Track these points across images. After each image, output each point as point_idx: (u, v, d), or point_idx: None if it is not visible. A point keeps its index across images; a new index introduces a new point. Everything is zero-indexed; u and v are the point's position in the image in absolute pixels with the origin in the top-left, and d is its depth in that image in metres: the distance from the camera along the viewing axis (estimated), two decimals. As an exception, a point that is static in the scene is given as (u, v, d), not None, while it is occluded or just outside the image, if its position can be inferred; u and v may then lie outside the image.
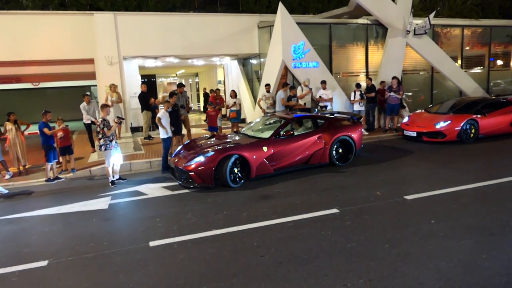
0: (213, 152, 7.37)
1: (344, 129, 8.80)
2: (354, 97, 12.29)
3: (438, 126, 10.74)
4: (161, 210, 6.36)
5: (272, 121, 9.37)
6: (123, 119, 8.10)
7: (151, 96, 14.50)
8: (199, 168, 7.22)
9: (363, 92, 12.34)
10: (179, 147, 8.63)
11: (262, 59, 14.69)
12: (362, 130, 9.34)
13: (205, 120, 12.07)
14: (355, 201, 6.27)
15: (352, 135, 8.77)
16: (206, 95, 19.73)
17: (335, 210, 5.87)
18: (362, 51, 14.10)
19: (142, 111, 12.72)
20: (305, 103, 12.05)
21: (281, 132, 8.21)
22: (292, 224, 5.44)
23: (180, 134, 9.92)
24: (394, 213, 5.71)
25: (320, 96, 12.24)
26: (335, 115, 9.90)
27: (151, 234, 5.37)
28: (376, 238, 4.93)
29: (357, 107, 12.37)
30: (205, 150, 7.60)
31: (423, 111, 12.33)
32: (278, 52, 12.62)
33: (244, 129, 9.34)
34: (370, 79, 12.93)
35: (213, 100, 12.35)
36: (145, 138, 12.67)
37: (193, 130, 14.48)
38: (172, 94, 9.80)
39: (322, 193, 6.83)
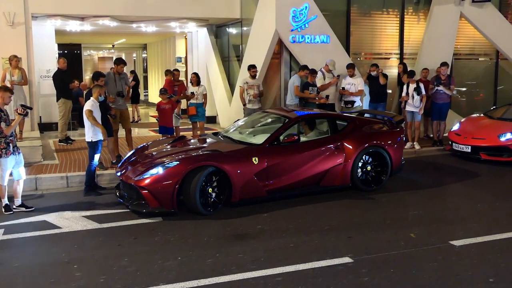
0: (177, 162, 7.48)
1: (376, 136, 8.98)
2: (407, 93, 12.23)
3: (503, 139, 11.01)
4: (82, 252, 6.27)
5: (269, 120, 9.55)
6: (30, 108, 7.90)
7: (73, 77, 14.41)
8: (156, 185, 7.31)
9: (421, 86, 12.18)
10: (130, 153, 8.78)
11: (245, 28, 14.78)
12: (404, 139, 9.50)
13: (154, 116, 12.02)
14: (376, 247, 6.30)
15: (388, 146, 8.92)
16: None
17: (346, 259, 5.89)
18: (396, 23, 14.37)
19: (58, 99, 12.61)
20: (327, 96, 12.21)
21: (281, 137, 8.34)
22: (281, 279, 5.42)
23: (111, 135, 9.99)
24: (435, 265, 5.75)
25: (343, 88, 12.38)
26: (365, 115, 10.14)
27: (65, 288, 5.30)
28: (407, 303, 4.96)
29: (411, 108, 12.27)
30: (166, 158, 7.72)
31: (481, 115, 12.58)
32: (269, 19, 12.74)
33: (227, 130, 9.48)
34: (376, 66, 12.73)
35: (168, 86, 12.33)
36: (60, 141, 12.53)
37: (135, 131, 14.43)
38: (97, 75, 9.82)
39: (328, 232, 6.85)
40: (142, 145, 9.16)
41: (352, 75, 12.36)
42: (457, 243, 6.39)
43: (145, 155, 8.34)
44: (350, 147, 8.63)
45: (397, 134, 9.26)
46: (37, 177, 9.24)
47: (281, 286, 5.24)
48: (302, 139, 8.81)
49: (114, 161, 10.07)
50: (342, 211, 7.83)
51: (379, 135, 9.06)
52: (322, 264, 5.75)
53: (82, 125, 15.22)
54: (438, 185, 9.43)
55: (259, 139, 8.50)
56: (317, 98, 11.85)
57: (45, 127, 14.51)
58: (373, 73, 12.69)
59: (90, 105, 8.66)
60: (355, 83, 12.25)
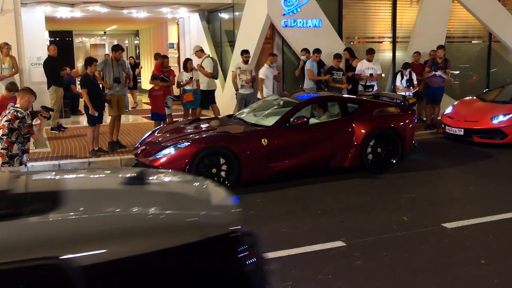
0: (189, 143, 7.82)
1: (386, 119, 9.14)
2: (401, 84, 12.39)
3: (496, 121, 11.01)
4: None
5: (281, 102, 9.70)
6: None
7: (64, 64, 14.32)
8: (168, 164, 7.64)
9: (413, 78, 12.34)
10: (147, 133, 9.17)
11: (237, 13, 14.68)
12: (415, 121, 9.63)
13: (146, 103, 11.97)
14: (369, 230, 6.32)
15: (398, 128, 9.05)
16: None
17: (339, 243, 5.90)
18: (388, 7, 14.31)
19: (49, 86, 12.53)
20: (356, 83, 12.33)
21: (291, 119, 8.50)
22: (275, 263, 5.41)
23: (100, 122, 10.09)
24: (427, 248, 5.79)
25: (371, 74, 12.31)
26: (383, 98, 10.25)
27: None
28: (399, 287, 4.98)
29: (402, 92, 12.26)
30: (179, 139, 8.07)
31: (474, 98, 12.57)
32: (261, 3, 12.68)
33: (241, 112, 9.71)
34: (307, 51, 12.45)
35: (157, 70, 12.23)
36: (52, 129, 12.47)
37: (123, 118, 14.36)
38: (90, 60, 9.85)
39: (321, 217, 6.88)
40: (158, 127, 9.62)
41: (370, 60, 12.32)
42: (449, 225, 6.42)
43: (160, 136, 8.71)
44: (360, 129, 8.76)
45: (409, 116, 9.39)
46: (29, 165, 9.17)
47: (274, 272, 5.24)
48: (314, 121, 8.98)
49: (96, 149, 9.98)
50: (334, 195, 7.85)
51: (390, 117, 9.22)
52: (315, 248, 5.76)
53: (74, 113, 15.29)
54: (431, 168, 9.44)
55: (270, 121, 8.68)
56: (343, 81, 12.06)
57: (37, 115, 14.42)
58: (303, 57, 12.57)
59: (263, 72, 10.04)
60: (375, 68, 12.30)
